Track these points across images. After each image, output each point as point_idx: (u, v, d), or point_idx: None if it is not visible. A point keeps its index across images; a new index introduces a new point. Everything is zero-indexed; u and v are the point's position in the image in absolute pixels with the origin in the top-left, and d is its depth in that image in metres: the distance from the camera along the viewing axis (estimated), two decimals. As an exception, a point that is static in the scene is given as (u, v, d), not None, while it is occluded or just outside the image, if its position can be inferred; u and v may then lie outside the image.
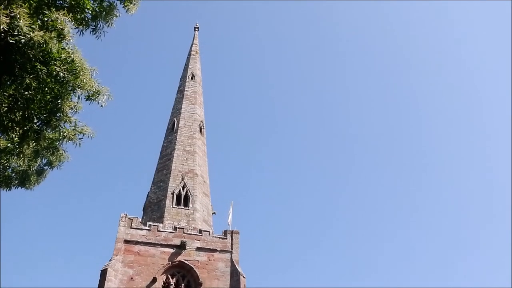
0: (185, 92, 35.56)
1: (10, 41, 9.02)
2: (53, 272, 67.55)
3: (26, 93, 9.90)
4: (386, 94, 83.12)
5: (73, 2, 10.54)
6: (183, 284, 23.71)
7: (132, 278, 22.99)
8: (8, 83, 9.90)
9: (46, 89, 10.05)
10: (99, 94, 10.99)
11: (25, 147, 11.06)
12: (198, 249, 24.87)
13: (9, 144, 11.35)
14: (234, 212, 27.55)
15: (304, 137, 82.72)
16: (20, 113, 10.21)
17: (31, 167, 12.45)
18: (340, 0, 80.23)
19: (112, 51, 77.75)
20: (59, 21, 9.64)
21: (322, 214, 78.28)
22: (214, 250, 25.04)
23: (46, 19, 9.64)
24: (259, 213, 75.97)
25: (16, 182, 12.76)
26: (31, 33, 9.00)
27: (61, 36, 9.80)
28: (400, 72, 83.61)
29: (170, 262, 24.05)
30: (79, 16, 10.79)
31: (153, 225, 25.32)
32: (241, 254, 25.26)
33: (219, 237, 25.69)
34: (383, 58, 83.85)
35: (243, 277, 23.89)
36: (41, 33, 9.17)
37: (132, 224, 24.97)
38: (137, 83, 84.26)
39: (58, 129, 11.00)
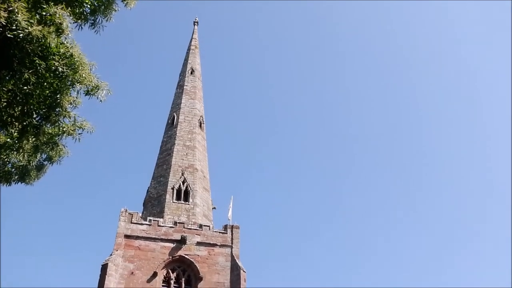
0: (184, 87, 35.51)
1: (8, 35, 8.97)
2: (54, 267, 67.75)
3: (25, 88, 9.86)
4: (386, 93, 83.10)
5: (71, -4, 10.49)
6: (183, 279, 23.78)
7: (132, 273, 23.06)
8: (7, 78, 9.86)
9: (45, 84, 10.01)
10: (98, 89, 10.96)
11: (24, 142, 11.04)
12: (199, 243, 24.92)
13: (8, 139, 11.32)
14: (234, 207, 27.63)
15: (304, 132, 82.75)
16: (19, 108, 10.18)
17: (31, 162, 12.42)
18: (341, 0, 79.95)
19: (111, 45, 77.58)
20: (57, 16, 9.59)
21: (322, 208, 78.43)
22: (214, 245, 25.10)
23: (44, 13, 9.58)
24: (259, 208, 76.12)
25: (16, 177, 12.74)
26: (29, 27, 8.96)
27: (60, 30, 9.75)
28: (399, 71, 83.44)
29: (171, 257, 24.11)
30: (77, 10, 10.73)
31: (154, 220, 25.36)
32: (241, 249, 25.36)
33: (219, 232, 25.74)
34: (383, 57, 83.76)
35: (244, 271, 23.96)
36: (40, 27, 9.12)
37: (133, 219, 25.02)
38: (136, 78, 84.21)
39: (57, 124, 10.98)
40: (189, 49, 39.83)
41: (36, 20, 9.28)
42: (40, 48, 9.47)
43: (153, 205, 28.01)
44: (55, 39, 9.64)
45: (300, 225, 76.33)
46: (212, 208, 29.54)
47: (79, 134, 11.47)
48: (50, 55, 9.78)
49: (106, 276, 22.09)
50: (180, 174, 29.17)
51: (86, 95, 10.95)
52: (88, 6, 10.83)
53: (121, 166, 77.66)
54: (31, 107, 10.28)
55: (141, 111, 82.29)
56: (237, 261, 24.49)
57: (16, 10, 8.86)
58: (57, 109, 10.58)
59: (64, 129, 11.13)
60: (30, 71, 9.62)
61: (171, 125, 32.96)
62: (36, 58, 9.59)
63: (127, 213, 25.16)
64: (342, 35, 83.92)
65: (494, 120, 76.41)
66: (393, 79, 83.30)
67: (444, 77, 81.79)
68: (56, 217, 73.17)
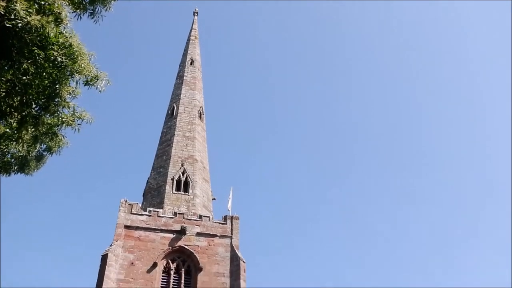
0: (184, 78, 35.43)
1: (7, 25, 8.93)
2: (54, 258, 67.98)
3: (24, 78, 9.84)
4: (385, 91, 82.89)
5: (70, -14, 10.43)
6: (183, 269, 23.87)
7: (132, 263, 23.14)
8: (6, 68, 9.83)
9: (44, 74, 9.98)
10: (97, 79, 10.94)
11: (23, 132, 11.03)
12: (198, 234, 24.98)
13: (7, 130, 11.29)
14: (234, 197, 27.65)
15: (305, 123, 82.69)
16: (18, 98, 10.16)
17: (30, 152, 12.40)
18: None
19: (111, 35, 77.31)
20: (56, 5, 9.55)
21: (322, 199, 78.55)
22: (214, 235, 25.16)
23: (43, 2, 9.54)
24: (259, 198, 76.25)
25: (15, 167, 12.72)
26: (28, 17, 8.92)
27: (59, 20, 9.71)
28: (399, 70, 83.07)
29: (171, 247, 24.19)
30: (76, 0, 10.68)
31: (153, 211, 25.41)
32: (241, 239, 25.43)
33: (219, 223, 25.80)
34: (382, 56, 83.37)
35: (243, 261, 24.04)
36: (38, 17, 9.08)
37: (132, 210, 25.06)
38: (136, 68, 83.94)
39: (56, 114, 10.96)
40: (188, 39, 39.70)
41: (34, 9, 9.23)
42: (39, 38, 9.43)
43: (153, 196, 28.04)
44: (54, 29, 9.60)
45: (300, 216, 76.56)
46: (212, 199, 29.58)
47: (79, 124, 11.46)
48: (49, 45, 9.74)
49: (106, 266, 22.17)
50: (180, 165, 29.18)
51: (85, 85, 10.93)
52: (87, -5, 10.78)
53: (120, 157, 77.74)
54: (30, 97, 10.26)
55: (140, 101, 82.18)
56: (236, 251, 24.57)
57: (15, 0, 8.81)
58: (56, 99, 10.56)
59: (63, 119, 11.13)
60: (29, 61, 9.59)
61: (171, 115, 32.91)
62: (35, 48, 9.56)
63: (127, 204, 25.20)
64: (344, 27, 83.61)
65: (494, 120, 76.17)
66: (393, 78, 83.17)
67: (444, 77, 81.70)
68: (56, 207, 73.35)
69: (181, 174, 28.61)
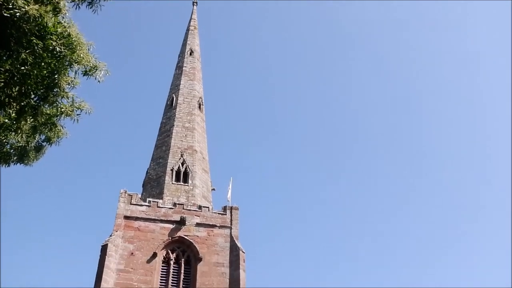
0: (183, 68, 35.33)
1: (5, 14, 8.88)
2: (54, 248, 68.22)
3: (22, 68, 9.80)
4: (385, 90, 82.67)
5: (68, -25, 10.34)
6: (183, 259, 23.95)
7: (132, 253, 23.21)
8: (4, 58, 9.78)
9: (43, 64, 9.94)
10: (96, 69, 10.91)
11: (22, 123, 11.01)
12: (198, 224, 25.04)
13: (6, 120, 11.28)
14: (233, 188, 27.68)
15: (305, 113, 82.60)
16: (17, 89, 10.13)
17: (30, 143, 12.40)
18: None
19: (109, 25, 77.00)
20: (54, -6, 9.49)
21: (321, 190, 78.71)
22: (213, 226, 25.22)
23: (41, -8, 9.47)
24: (258, 189, 76.39)
25: (14, 158, 12.74)
26: (26, 6, 8.87)
27: (57, 9, 9.66)
28: (399, 69, 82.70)
29: (170, 238, 24.25)
30: (74, -11, 10.61)
31: (153, 201, 25.45)
32: (240, 230, 25.48)
33: (219, 213, 25.85)
34: (382, 56, 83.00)
35: (243, 252, 24.12)
36: (36, 6, 9.02)
37: (132, 200, 25.09)
38: (135, 59, 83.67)
39: (55, 104, 10.95)
40: (188, 29, 39.53)
41: (32, -1, 9.17)
42: (37, 28, 9.38)
43: (153, 187, 28.07)
44: (52, 18, 9.55)
45: (299, 206, 76.75)
46: (212, 190, 29.61)
47: (78, 115, 11.45)
48: (47, 34, 9.70)
49: (106, 256, 22.23)
50: (179, 155, 29.18)
51: (84, 75, 10.90)
52: (86, -15, 10.69)
53: (120, 147, 77.72)
54: (29, 87, 10.23)
55: (140, 92, 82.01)
56: (236, 242, 24.64)
57: (13, -11, 8.76)
58: (55, 90, 10.53)
59: (62, 109, 11.11)
60: (27, 51, 9.55)
61: (170, 106, 32.86)
62: (33, 38, 9.51)
63: (126, 194, 25.23)
64: (345, 17, 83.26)
65: (494, 120, 75.84)
66: (392, 76, 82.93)
67: (444, 76, 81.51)
68: (55, 198, 73.46)
69: (180, 165, 28.62)
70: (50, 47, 9.73)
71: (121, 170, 72.26)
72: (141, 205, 25.09)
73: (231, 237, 24.92)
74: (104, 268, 21.86)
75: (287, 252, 71.86)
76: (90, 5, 10.96)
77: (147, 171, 29.51)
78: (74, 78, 10.81)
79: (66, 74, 10.50)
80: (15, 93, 10.26)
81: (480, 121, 77.67)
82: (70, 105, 11.22)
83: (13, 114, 11.08)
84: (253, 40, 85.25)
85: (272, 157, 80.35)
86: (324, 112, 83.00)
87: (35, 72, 9.95)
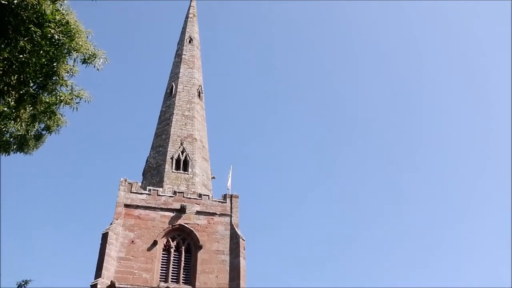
0: (183, 56, 35.19)
1: (3, 2, 8.83)
2: (54, 237, 68.46)
3: (21, 56, 9.76)
4: (385, 89, 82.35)
5: (66, -38, 10.25)
6: (183, 247, 24.06)
7: (133, 241, 23.31)
8: (2, 46, 9.74)
9: (41, 52, 9.90)
10: (95, 57, 10.87)
11: (21, 111, 10.99)
12: (198, 212, 25.12)
13: (5, 109, 11.26)
14: (233, 176, 27.72)
15: (305, 100, 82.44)
16: (16, 77, 10.09)
17: (29, 131, 12.39)
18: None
19: (108, 13, 76.52)
20: (52, -18, 9.41)
21: (321, 178, 78.85)
22: (213, 214, 25.30)
23: (38, -21, 9.39)
24: (258, 177, 76.49)
25: (14, 147, 12.72)
26: (23, -7, 8.80)
27: (55, -3, 9.58)
28: (399, 69, 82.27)
29: (171, 226, 24.34)
30: (72, -23, 10.53)
31: (153, 190, 25.50)
32: (240, 218, 25.57)
33: (219, 201, 25.92)
34: (382, 54, 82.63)
35: (243, 239, 24.23)
36: (34, -7, 8.96)
37: (132, 189, 25.14)
38: (134, 47, 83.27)
39: (54, 93, 10.92)
40: (187, 17, 39.29)
41: (30, -14, 9.10)
42: (35, 15, 9.33)
43: (153, 175, 28.11)
44: (50, 5, 9.49)
45: (299, 194, 76.95)
46: (211, 178, 29.66)
47: (77, 103, 11.43)
48: (45, 22, 9.64)
49: (107, 244, 22.34)
50: (179, 144, 29.18)
51: (83, 63, 10.86)
52: (83, -29, 10.63)
53: (119, 136, 77.69)
54: (28, 75, 10.19)
55: (139, 80, 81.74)
56: (236, 229, 24.74)
57: (10, -24, 8.69)
58: (53, 78, 10.50)
59: (61, 98, 11.08)
60: (25, 39, 9.50)
61: (170, 94, 32.78)
62: (31, 26, 9.46)
63: (126, 183, 25.27)
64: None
65: (494, 120, 75.50)
66: (393, 75, 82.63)
67: (444, 76, 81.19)
68: (56, 187, 73.60)
69: (180, 153, 28.63)
70: (49, 35, 9.68)
71: (121, 158, 72.31)
72: (141, 194, 25.15)
73: (231, 225, 25.01)
74: (105, 256, 21.97)
75: (286, 239, 72.21)
76: (88, -8, 10.91)
77: (147, 160, 29.53)
78: (73, 66, 10.78)
79: (65, 62, 10.45)
80: (14, 82, 10.23)
81: (480, 121, 77.61)
82: (69, 94, 11.19)
83: (12, 103, 11.05)
84: (253, 28, 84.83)
85: (272, 145, 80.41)
86: (325, 100, 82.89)
87: (34, 60, 9.91)
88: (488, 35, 77.67)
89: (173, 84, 33.16)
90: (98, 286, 20.85)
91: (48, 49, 9.95)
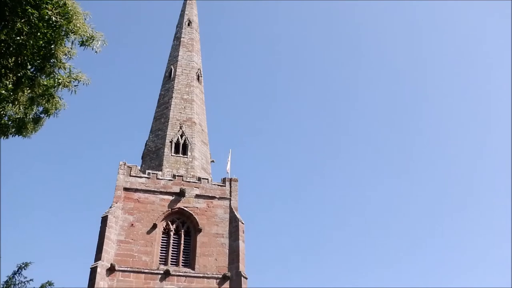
0: (181, 39, 34.93)
1: (-1, -17, 8.69)
2: (54, 220, 68.79)
3: (18, 38, 9.66)
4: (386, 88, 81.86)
5: None
6: (183, 230, 24.16)
7: (132, 225, 23.40)
8: (-1, 27, 9.63)
9: (39, 34, 9.80)
10: (93, 40, 10.77)
11: (20, 94, 10.92)
12: (197, 196, 25.17)
13: (3, 91, 11.17)
14: (232, 160, 27.73)
15: (305, 83, 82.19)
16: (13, 59, 10.00)
17: (28, 114, 12.33)
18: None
19: (106, -3, 75.70)
20: (49, -38, 9.27)
21: (320, 161, 78.98)
22: (213, 197, 25.37)
23: (35, -41, 9.26)
24: (257, 161, 76.62)
25: (13, 130, 12.67)
26: (20, -26, 8.67)
27: (52, -22, 9.44)
28: (398, 68, 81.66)
29: (170, 209, 24.41)
30: (70, -43, 10.36)
31: (152, 173, 25.52)
32: (239, 201, 25.63)
33: (218, 185, 25.96)
34: (381, 53, 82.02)
35: (242, 223, 24.34)
36: (31, -26, 8.83)
37: (131, 172, 25.15)
38: (132, 29, 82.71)
39: (52, 75, 10.83)
40: (186, -1, 38.91)
41: (26, -34, 8.97)
42: (32, -4, 9.20)
43: (152, 159, 28.10)
44: (47, -13, 9.35)
45: (298, 178, 77.13)
46: (211, 162, 29.67)
47: (75, 86, 11.35)
48: (42, 3, 9.53)
49: (107, 227, 22.42)
50: (178, 127, 29.12)
51: (81, 45, 10.77)
52: (81, -48, 10.46)
53: (118, 119, 77.57)
54: (25, 58, 10.10)
55: (138, 63, 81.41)
56: (235, 213, 24.83)
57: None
58: (51, 60, 10.41)
59: (60, 80, 11.00)
60: (22, 21, 9.40)
61: (169, 78, 32.61)
62: (29, 7, 9.35)
63: (125, 166, 25.27)
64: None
65: (494, 120, 75.21)
66: (394, 74, 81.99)
67: (444, 76, 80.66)
68: (54, 171, 73.68)
69: (179, 137, 28.59)
70: (46, 17, 9.57)
71: (120, 142, 72.35)
72: (141, 177, 25.17)
73: (231, 209, 25.09)
74: (105, 239, 22.08)
75: (285, 223, 72.58)
76: (86, -26, 10.76)
77: (146, 143, 29.49)
78: (71, 48, 10.69)
79: (63, 44, 10.36)
80: (11, 64, 10.14)
81: (480, 121, 77.31)
82: (68, 76, 11.11)
83: (10, 85, 10.97)
84: (253, 10, 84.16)
85: (271, 129, 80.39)
86: (326, 83, 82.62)
87: (31, 42, 9.81)
88: (488, 35, 77.41)
89: (172, 68, 32.96)
90: (98, 268, 20.99)
91: (45, 31, 9.85)
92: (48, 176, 72.59)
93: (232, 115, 79.35)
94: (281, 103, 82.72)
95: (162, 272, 22.19)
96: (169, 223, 24.21)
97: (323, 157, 78.38)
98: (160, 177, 25.41)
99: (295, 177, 77.14)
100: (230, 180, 26.21)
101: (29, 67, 10.45)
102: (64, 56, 10.51)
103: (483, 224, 71.27)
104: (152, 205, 24.32)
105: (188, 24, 36.40)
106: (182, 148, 28.18)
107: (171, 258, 23.16)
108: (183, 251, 23.51)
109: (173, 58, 33.95)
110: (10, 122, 12.46)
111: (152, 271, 22.16)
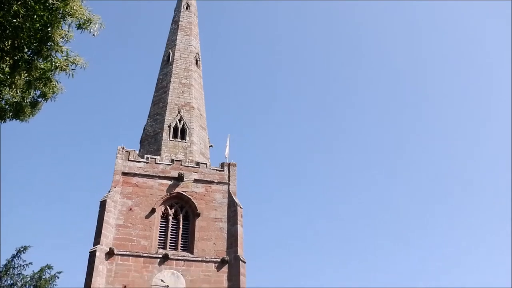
0: (180, 23, 34.64)
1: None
2: (52, 205, 68.90)
3: (14, 20, 9.55)
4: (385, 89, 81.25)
5: None
6: (181, 215, 24.22)
7: (131, 209, 23.44)
8: (-5, 10, 9.50)
9: (35, 16, 9.68)
10: (90, 23, 10.66)
11: (16, 77, 10.81)
12: (196, 181, 25.19)
13: (0, 75, 11.07)
14: (231, 145, 27.70)
15: (303, 70, 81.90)
16: (10, 42, 9.89)
17: (25, 98, 12.22)
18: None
19: (104, -20, 74.87)
20: None
21: (318, 147, 79.03)
22: (211, 182, 25.38)
23: None
24: (256, 146, 76.64)
25: (10, 114, 12.57)
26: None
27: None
28: (399, 68, 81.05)
29: (168, 194, 24.44)
30: None
31: (151, 158, 25.49)
32: (238, 186, 25.67)
33: (216, 169, 25.96)
34: (382, 53, 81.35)
35: (240, 207, 24.40)
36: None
37: (130, 157, 25.12)
38: (130, 12, 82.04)
39: (49, 59, 10.73)
40: (184, -18, 38.47)
41: None
42: (28, -22, 9.07)
43: (150, 143, 28.04)
44: (43, -32, 9.21)
45: (297, 163, 77.24)
46: (209, 146, 29.63)
47: (72, 69, 11.24)
48: (39, -15, 9.39)
49: (105, 212, 22.47)
50: (177, 112, 29.01)
51: (78, 29, 10.66)
52: None
53: (116, 103, 77.35)
54: (22, 41, 9.99)
55: (135, 47, 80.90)
56: (234, 197, 24.87)
57: None
58: (48, 43, 10.30)
59: (57, 64, 10.89)
60: (18, 3, 9.29)
61: (167, 62, 32.40)
62: (25, -11, 9.22)
63: (124, 151, 25.22)
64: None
65: (494, 120, 74.96)
66: (394, 73, 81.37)
67: (444, 76, 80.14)
68: (52, 155, 73.66)
69: (178, 121, 28.50)
70: (42, -1, 9.45)
71: (118, 126, 72.20)
72: (139, 162, 25.15)
73: (229, 193, 25.13)
74: (104, 224, 22.14)
75: (284, 207, 72.89)
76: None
77: (144, 128, 29.40)
78: (68, 31, 10.57)
79: (60, 27, 10.24)
80: (8, 47, 10.04)
81: (480, 121, 77.14)
82: (65, 60, 10.99)
83: (7, 69, 10.86)
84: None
85: (270, 114, 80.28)
86: (325, 69, 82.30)
87: (28, 25, 9.70)
88: (488, 35, 76.94)
89: (170, 52, 32.74)
90: (97, 252, 21.07)
91: (42, 13, 9.73)
92: (46, 161, 72.60)
93: (231, 100, 79.16)
94: (280, 88, 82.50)
95: (160, 256, 22.30)
96: (168, 207, 24.25)
97: (323, 143, 78.45)
98: (159, 162, 25.39)
99: (293, 163, 77.28)
100: (229, 165, 26.21)
101: (26, 50, 10.34)
102: (61, 39, 10.40)
103: (483, 224, 71.62)
104: (150, 190, 24.34)
105: (186, 8, 36.08)
106: (180, 132, 28.12)
107: (170, 242, 23.25)
108: (181, 235, 23.59)
109: (171, 42, 33.70)
110: (7, 106, 12.35)
111: (151, 255, 22.26)
